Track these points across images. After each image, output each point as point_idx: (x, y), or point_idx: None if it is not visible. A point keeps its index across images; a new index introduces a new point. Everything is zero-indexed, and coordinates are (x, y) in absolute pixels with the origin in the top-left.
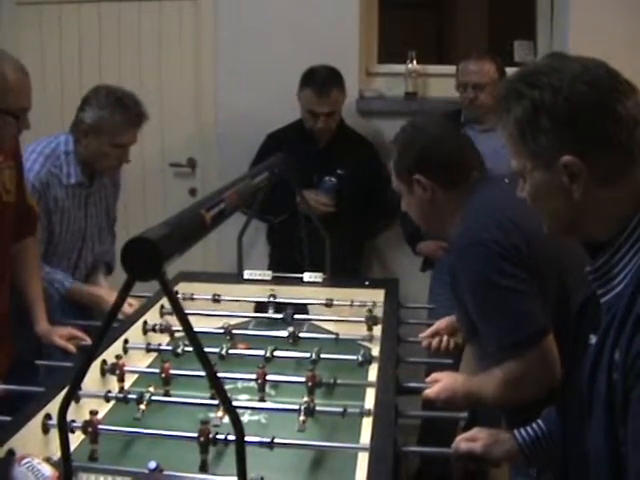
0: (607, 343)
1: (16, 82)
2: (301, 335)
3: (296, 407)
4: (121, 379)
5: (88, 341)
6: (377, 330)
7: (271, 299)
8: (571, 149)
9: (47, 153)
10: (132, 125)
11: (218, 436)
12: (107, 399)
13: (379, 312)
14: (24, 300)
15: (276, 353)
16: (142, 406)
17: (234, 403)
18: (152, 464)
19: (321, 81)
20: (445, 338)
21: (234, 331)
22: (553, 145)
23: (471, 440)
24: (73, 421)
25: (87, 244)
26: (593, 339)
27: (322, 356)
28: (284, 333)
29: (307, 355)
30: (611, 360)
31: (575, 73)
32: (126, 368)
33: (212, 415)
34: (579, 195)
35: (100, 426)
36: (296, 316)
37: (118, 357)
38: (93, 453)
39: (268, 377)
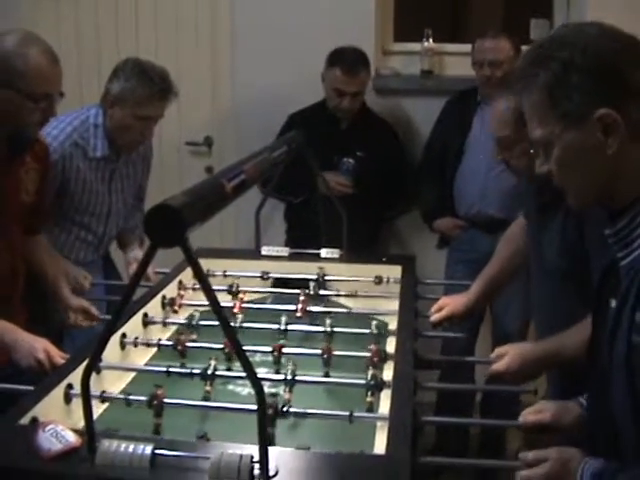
0: (627, 306)
1: (39, 66)
2: (315, 310)
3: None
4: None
5: (97, 318)
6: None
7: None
8: (604, 102)
9: (76, 124)
10: (155, 98)
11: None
12: (168, 374)
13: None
14: (45, 278)
15: (291, 327)
16: (208, 387)
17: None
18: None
19: (350, 61)
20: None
21: (249, 306)
22: (585, 101)
23: (538, 412)
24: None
25: (112, 218)
26: (613, 303)
27: (337, 330)
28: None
29: (321, 329)
30: (631, 322)
31: (599, 31)
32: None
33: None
34: (613, 151)
35: (166, 400)
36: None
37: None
38: (157, 427)
39: (285, 350)
